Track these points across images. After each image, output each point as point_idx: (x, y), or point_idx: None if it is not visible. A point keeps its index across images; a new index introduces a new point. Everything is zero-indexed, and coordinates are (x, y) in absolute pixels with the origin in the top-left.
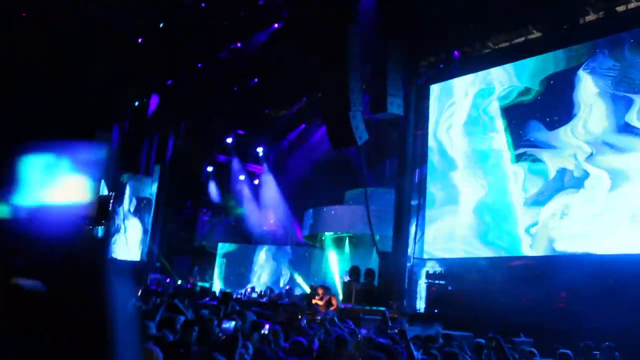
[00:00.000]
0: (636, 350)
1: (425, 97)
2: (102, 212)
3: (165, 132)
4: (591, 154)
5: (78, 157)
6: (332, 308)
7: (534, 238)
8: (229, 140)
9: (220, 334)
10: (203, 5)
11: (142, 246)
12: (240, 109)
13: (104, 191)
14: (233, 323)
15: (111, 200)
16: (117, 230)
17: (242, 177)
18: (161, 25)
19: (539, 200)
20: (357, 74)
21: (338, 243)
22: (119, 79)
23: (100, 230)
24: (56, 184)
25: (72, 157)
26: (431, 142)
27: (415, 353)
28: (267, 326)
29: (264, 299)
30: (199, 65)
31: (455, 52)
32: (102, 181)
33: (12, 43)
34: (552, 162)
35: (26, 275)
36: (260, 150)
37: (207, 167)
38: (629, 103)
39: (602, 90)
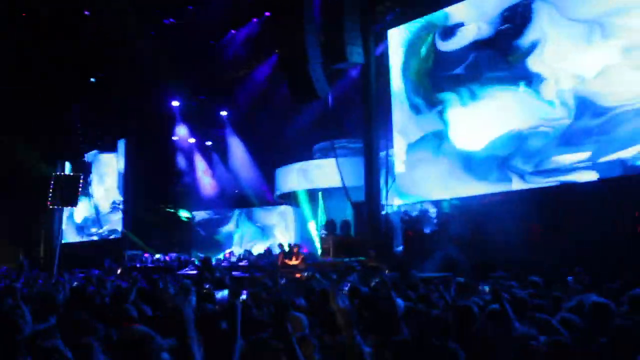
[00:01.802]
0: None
1: (383, 43)
2: (71, 192)
3: (126, 104)
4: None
5: None
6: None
7: (505, 173)
8: (176, 103)
9: (216, 305)
10: None
11: (121, 223)
12: (200, 73)
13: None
14: (226, 291)
15: (80, 181)
16: (89, 210)
17: (192, 140)
18: None
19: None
20: (313, 26)
21: (311, 198)
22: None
23: None
24: None
25: None
26: (394, 89)
27: (398, 300)
28: (244, 293)
29: (243, 262)
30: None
31: None
32: (67, 162)
33: None
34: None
35: None
36: (224, 113)
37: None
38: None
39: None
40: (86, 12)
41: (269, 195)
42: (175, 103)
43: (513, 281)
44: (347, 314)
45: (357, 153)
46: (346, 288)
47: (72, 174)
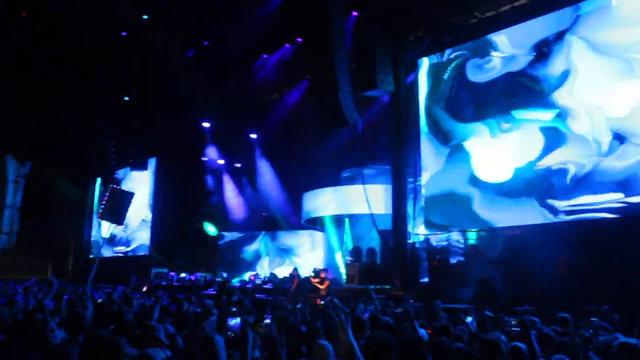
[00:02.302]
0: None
1: (414, 72)
2: (121, 209)
3: (158, 124)
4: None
5: None
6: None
7: (533, 205)
8: (206, 124)
9: (229, 332)
10: None
11: (148, 242)
12: (232, 95)
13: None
14: (239, 319)
15: (132, 199)
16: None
17: (221, 162)
18: (145, 17)
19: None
20: (343, 54)
21: (338, 224)
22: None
23: None
24: None
25: None
26: (423, 117)
27: (420, 330)
28: (268, 317)
29: (268, 285)
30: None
31: (443, 24)
32: (98, 179)
33: None
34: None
35: None
36: (254, 136)
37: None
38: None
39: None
40: (123, 33)
41: (296, 219)
42: (206, 124)
43: (536, 317)
44: (350, 345)
45: (385, 180)
46: (367, 315)
47: (127, 190)
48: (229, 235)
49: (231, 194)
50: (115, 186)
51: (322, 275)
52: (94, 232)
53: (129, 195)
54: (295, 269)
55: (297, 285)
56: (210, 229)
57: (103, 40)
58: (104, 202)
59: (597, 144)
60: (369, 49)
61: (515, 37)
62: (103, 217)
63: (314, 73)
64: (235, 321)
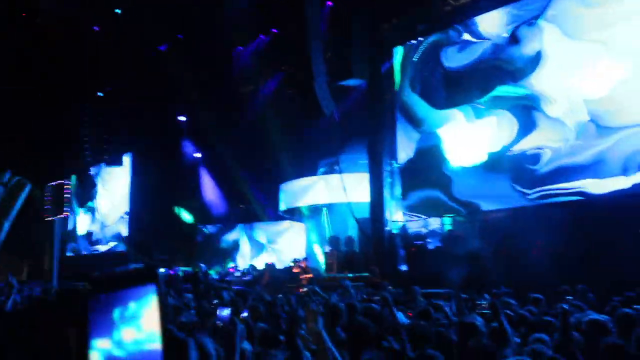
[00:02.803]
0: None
1: (389, 60)
2: (58, 201)
3: (133, 120)
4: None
5: None
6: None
7: (508, 189)
8: (182, 118)
9: (218, 322)
10: None
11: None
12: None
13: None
14: (229, 310)
15: (65, 187)
16: (94, 222)
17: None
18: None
19: (507, 151)
20: (318, 44)
21: (315, 214)
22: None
23: None
24: None
25: None
26: (399, 104)
27: (398, 315)
28: (245, 311)
29: (247, 277)
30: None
31: (418, 12)
32: (73, 176)
33: None
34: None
35: None
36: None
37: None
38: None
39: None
40: (95, 28)
41: (273, 211)
42: (181, 118)
43: (512, 298)
44: (320, 335)
45: (361, 168)
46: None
47: (57, 182)
48: (208, 228)
49: (209, 187)
50: (51, 184)
51: (304, 264)
52: (79, 229)
53: (60, 186)
54: (267, 264)
55: (267, 278)
56: (185, 215)
57: (75, 35)
58: (45, 202)
59: (573, 126)
60: (344, 39)
61: (489, 24)
62: (47, 214)
63: (289, 63)
64: (226, 312)
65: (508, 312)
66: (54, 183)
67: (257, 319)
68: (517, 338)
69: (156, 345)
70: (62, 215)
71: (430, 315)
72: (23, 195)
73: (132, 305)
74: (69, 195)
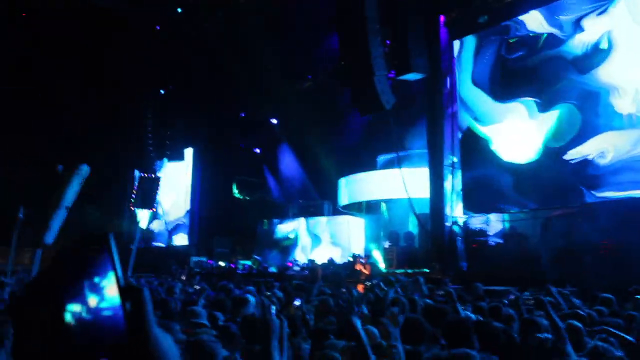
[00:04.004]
0: None
1: (449, 53)
2: (151, 195)
3: (194, 115)
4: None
5: None
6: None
7: (573, 186)
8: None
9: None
10: None
11: (186, 230)
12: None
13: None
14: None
15: (159, 183)
16: (158, 217)
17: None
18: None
19: (575, 146)
20: (377, 38)
21: (375, 209)
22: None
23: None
24: None
25: None
26: (460, 99)
27: (462, 311)
28: (297, 301)
29: (306, 272)
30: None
31: (477, 4)
32: (136, 170)
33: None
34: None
35: None
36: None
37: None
38: None
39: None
40: (157, 27)
41: (333, 205)
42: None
43: (578, 298)
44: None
45: (422, 163)
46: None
47: (152, 175)
48: (269, 223)
49: (269, 181)
50: (143, 174)
51: (364, 260)
52: (141, 223)
53: (156, 180)
54: (313, 261)
55: (320, 275)
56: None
57: (137, 33)
58: (134, 192)
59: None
60: (402, 33)
61: (552, 15)
62: (135, 204)
63: (348, 58)
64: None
65: (580, 311)
66: (149, 175)
67: (326, 312)
68: (590, 339)
69: (118, 304)
70: (149, 210)
71: (500, 313)
72: (78, 179)
73: (95, 276)
74: (158, 192)
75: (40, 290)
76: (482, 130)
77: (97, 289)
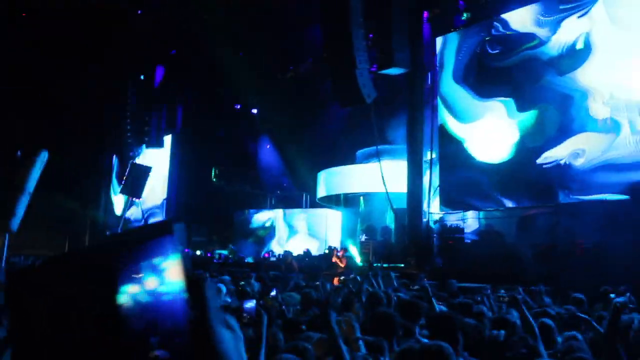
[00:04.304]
0: None
1: (432, 49)
2: (139, 183)
3: (173, 102)
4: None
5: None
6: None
7: (548, 186)
8: (237, 106)
9: (245, 314)
10: None
11: (163, 218)
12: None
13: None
14: (254, 302)
15: (149, 173)
16: (135, 204)
17: (267, 147)
18: None
19: (550, 147)
20: (360, 31)
21: (353, 202)
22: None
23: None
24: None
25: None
26: (440, 95)
27: (437, 306)
28: (273, 291)
29: (281, 263)
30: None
31: (460, 2)
32: (114, 156)
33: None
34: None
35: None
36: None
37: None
38: None
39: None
40: (139, 12)
41: (311, 197)
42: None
43: (549, 297)
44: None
45: (400, 157)
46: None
47: (144, 165)
48: (244, 213)
49: (251, 170)
50: (134, 162)
51: (341, 253)
52: (116, 210)
53: (147, 169)
54: (330, 247)
55: (291, 265)
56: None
57: (119, 18)
58: (125, 178)
59: (616, 124)
60: (385, 27)
61: (535, 15)
62: (123, 191)
63: (331, 50)
64: (250, 304)
65: (549, 309)
66: (142, 164)
67: (309, 304)
68: (559, 337)
69: (178, 291)
70: (137, 199)
71: (470, 309)
72: (39, 165)
73: (154, 258)
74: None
75: (40, 280)
76: (456, 130)
77: (156, 270)
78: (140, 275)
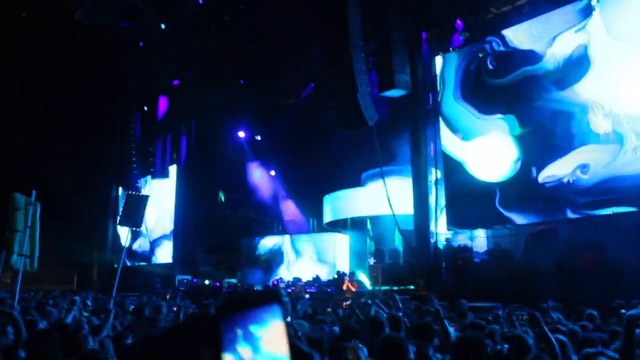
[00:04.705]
0: None
1: (432, 69)
2: (138, 213)
3: (177, 132)
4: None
5: None
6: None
7: (554, 201)
8: (241, 134)
9: None
10: (201, 2)
11: (170, 248)
12: (249, 102)
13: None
14: None
15: (147, 202)
16: (141, 235)
17: (272, 173)
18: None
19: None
20: (360, 55)
21: (360, 226)
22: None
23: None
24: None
25: None
26: (442, 114)
27: (450, 329)
28: (287, 318)
29: (291, 289)
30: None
31: (458, 21)
32: (120, 187)
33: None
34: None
35: None
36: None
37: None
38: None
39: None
40: (141, 44)
41: (318, 222)
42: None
43: (561, 313)
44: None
45: (406, 177)
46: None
47: (141, 194)
48: (250, 240)
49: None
50: (130, 192)
51: (349, 278)
52: (123, 242)
53: (144, 198)
54: (339, 272)
55: (299, 292)
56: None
57: (122, 49)
58: (122, 209)
59: (619, 136)
60: (385, 49)
61: (532, 31)
62: (122, 222)
63: (332, 75)
64: None
65: (560, 327)
66: (138, 193)
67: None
68: (574, 354)
69: None
70: (137, 229)
71: (483, 328)
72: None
73: (254, 326)
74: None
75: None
76: (457, 150)
77: (251, 339)
78: (237, 344)
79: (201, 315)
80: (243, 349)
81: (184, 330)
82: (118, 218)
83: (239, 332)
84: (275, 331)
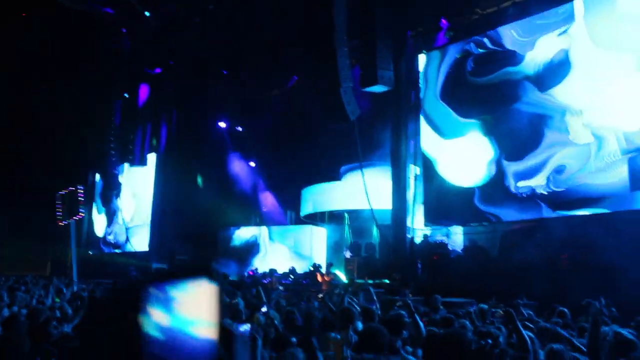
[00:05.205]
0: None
1: (415, 67)
2: (73, 205)
3: (158, 121)
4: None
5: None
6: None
7: (530, 201)
8: (222, 124)
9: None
10: None
11: (147, 235)
12: (231, 93)
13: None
14: (248, 326)
15: (79, 194)
16: (116, 222)
17: (252, 164)
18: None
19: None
20: (344, 50)
21: (338, 219)
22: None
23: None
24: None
25: None
26: (424, 112)
27: (420, 323)
28: (264, 307)
29: (266, 280)
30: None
31: (443, 20)
32: (97, 174)
33: None
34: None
35: None
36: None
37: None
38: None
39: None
40: (124, 30)
41: (296, 214)
42: (221, 124)
43: (533, 310)
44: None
45: (385, 174)
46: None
47: (71, 189)
48: (228, 231)
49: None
50: (60, 192)
51: (325, 271)
52: (97, 230)
53: (74, 192)
54: (315, 265)
55: (275, 284)
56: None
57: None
58: (57, 209)
59: (597, 140)
60: (370, 45)
61: (516, 32)
62: (63, 219)
63: (315, 69)
64: (244, 327)
65: (528, 324)
66: (64, 192)
67: (293, 322)
68: (542, 350)
69: (202, 332)
70: (76, 218)
71: (452, 323)
72: None
73: (180, 295)
74: (82, 199)
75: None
76: (433, 150)
77: (169, 305)
78: (163, 314)
79: (130, 284)
80: (159, 313)
81: (114, 298)
82: (103, 206)
83: (161, 297)
84: (198, 300)
